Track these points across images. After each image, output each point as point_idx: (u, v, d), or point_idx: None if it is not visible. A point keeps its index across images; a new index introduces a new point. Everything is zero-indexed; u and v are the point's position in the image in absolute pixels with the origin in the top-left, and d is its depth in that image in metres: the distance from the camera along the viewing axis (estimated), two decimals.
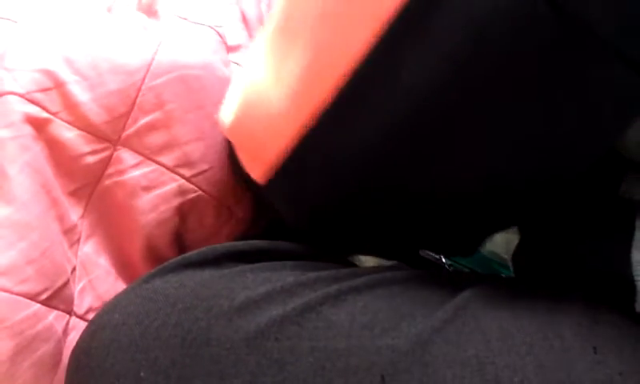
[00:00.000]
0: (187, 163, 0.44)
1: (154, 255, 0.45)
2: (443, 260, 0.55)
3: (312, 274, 0.33)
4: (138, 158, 0.43)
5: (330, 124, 0.32)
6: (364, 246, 0.45)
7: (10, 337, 0.37)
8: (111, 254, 0.44)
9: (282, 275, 0.33)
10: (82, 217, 0.43)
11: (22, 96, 0.40)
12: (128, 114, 0.43)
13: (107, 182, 0.43)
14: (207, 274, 0.33)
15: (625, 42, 0.27)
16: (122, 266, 0.45)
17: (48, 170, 0.41)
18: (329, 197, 0.36)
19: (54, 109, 0.41)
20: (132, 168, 0.43)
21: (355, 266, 0.40)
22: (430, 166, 0.32)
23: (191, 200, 0.45)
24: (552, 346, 0.29)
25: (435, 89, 0.29)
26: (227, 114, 0.39)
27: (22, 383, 0.39)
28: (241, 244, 0.37)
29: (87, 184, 0.43)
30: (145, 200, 0.44)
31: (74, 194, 0.43)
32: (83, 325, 0.42)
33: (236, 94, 0.39)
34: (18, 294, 0.38)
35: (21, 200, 0.39)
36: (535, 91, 0.28)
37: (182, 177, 0.44)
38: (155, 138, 0.43)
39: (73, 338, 0.41)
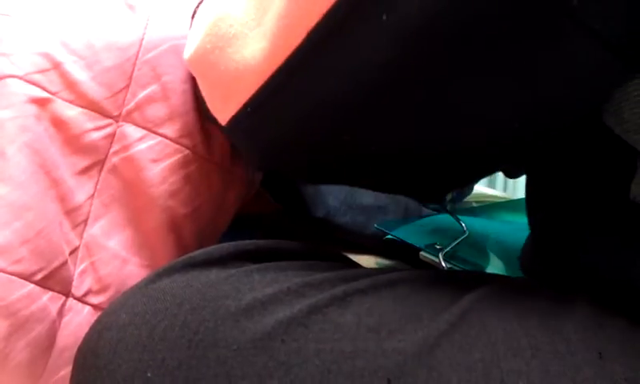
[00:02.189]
0: (189, 133, 0.45)
1: (173, 232, 0.45)
2: (443, 264, 0.55)
3: (318, 275, 0.33)
4: (142, 132, 0.44)
5: (305, 66, 0.32)
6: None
7: (4, 317, 0.38)
8: (127, 234, 0.44)
9: (288, 276, 0.33)
10: (92, 197, 0.43)
11: (21, 78, 0.41)
12: (126, 88, 0.44)
13: (115, 159, 0.44)
14: (214, 274, 0.33)
15: (598, 21, 0.27)
16: (139, 246, 0.45)
17: (52, 150, 0.41)
18: (293, 140, 0.36)
19: (53, 89, 0.42)
20: (137, 142, 0.44)
21: (360, 266, 0.40)
22: (396, 120, 0.33)
23: (197, 168, 0.46)
24: (557, 350, 0.29)
25: (407, 38, 0.29)
26: (191, 43, 0.39)
27: (17, 363, 0.39)
28: (246, 243, 0.37)
29: (96, 162, 0.43)
30: (154, 172, 0.44)
31: (83, 172, 0.43)
32: (81, 307, 0.42)
33: (202, 24, 0.38)
34: (12, 274, 0.38)
35: (17, 180, 0.39)
36: (505, 56, 0.29)
37: (186, 147, 0.45)
38: (156, 111, 0.44)
39: (69, 319, 0.41)
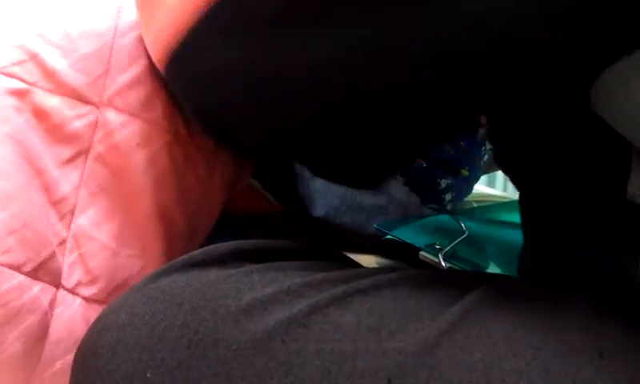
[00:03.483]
0: (170, 116, 0.45)
1: (162, 220, 0.45)
2: (442, 263, 0.55)
3: (318, 275, 0.33)
4: (124, 117, 0.44)
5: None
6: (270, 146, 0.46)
7: None
8: (115, 224, 0.44)
9: (288, 276, 0.33)
10: (79, 187, 0.43)
11: None
12: (106, 73, 0.44)
13: (99, 147, 0.43)
14: (213, 273, 0.33)
15: None
16: (129, 236, 0.44)
17: (35, 141, 0.41)
18: (226, 88, 0.36)
19: (32, 79, 0.42)
20: (120, 127, 0.44)
21: (360, 266, 0.40)
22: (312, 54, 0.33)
23: (181, 151, 0.46)
24: (558, 350, 0.29)
25: None
26: None
27: (10, 355, 0.38)
28: (245, 243, 0.37)
29: (80, 151, 0.43)
30: (139, 158, 0.44)
31: (68, 162, 0.42)
32: (72, 299, 0.42)
33: None
34: (1, 265, 0.38)
35: (1, 170, 0.39)
36: None
37: (168, 130, 0.45)
38: (136, 95, 0.44)
39: (61, 311, 0.41)
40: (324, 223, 0.64)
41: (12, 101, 0.41)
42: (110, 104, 0.44)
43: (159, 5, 0.36)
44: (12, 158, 0.40)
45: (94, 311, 0.42)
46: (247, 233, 0.52)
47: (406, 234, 0.61)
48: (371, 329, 0.30)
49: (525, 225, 0.41)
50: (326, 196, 0.64)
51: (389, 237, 0.62)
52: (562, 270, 0.35)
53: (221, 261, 0.34)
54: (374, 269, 0.37)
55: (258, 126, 0.40)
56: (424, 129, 0.39)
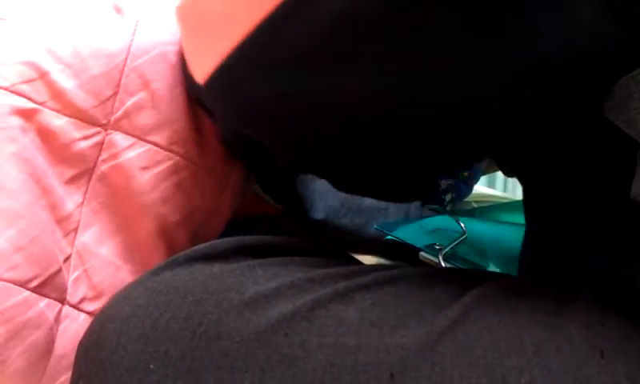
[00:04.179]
0: (179, 140, 0.45)
1: (164, 238, 0.45)
2: (442, 264, 0.56)
3: (320, 271, 0.33)
4: (131, 140, 0.44)
5: (290, 17, 0.31)
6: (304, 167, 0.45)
7: (0, 323, 0.38)
8: (117, 242, 0.44)
9: (290, 271, 0.33)
10: (82, 205, 0.43)
11: (6, 89, 0.41)
12: (114, 96, 0.43)
13: (104, 167, 0.43)
14: (217, 267, 0.33)
15: None
16: (130, 253, 0.44)
17: (40, 160, 0.41)
18: (272, 99, 0.35)
19: (40, 99, 0.41)
20: (126, 150, 0.43)
21: (360, 262, 0.40)
22: (379, 77, 0.32)
23: (189, 175, 0.45)
24: (559, 348, 0.29)
25: None
26: None
27: (14, 370, 0.39)
28: (248, 239, 0.37)
29: (84, 171, 0.43)
30: (144, 180, 0.44)
31: (71, 181, 0.43)
32: (77, 314, 0.42)
33: None
34: (7, 281, 0.38)
35: (8, 188, 0.39)
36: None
37: (177, 154, 0.45)
38: (145, 118, 0.44)
39: (66, 326, 0.41)
40: (324, 225, 0.64)
41: (18, 120, 0.40)
42: (116, 126, 0.43)
43: (211, 14, 0.35)
44: (19, 176, 0.40)
45: None
46: (247, 234, 0.52)
47: (406, 235, 0.62)
48: (373, 324, 0.30)
49: (529, 223, 0.41)
50: (325, 198, 0.64)
51: (389, 237, 0.62)
52: (564, 269, 0.36)
53: (224, 255, 0.35)
54: (375, 265, 0.37)
55: (303, 152, 0.39)
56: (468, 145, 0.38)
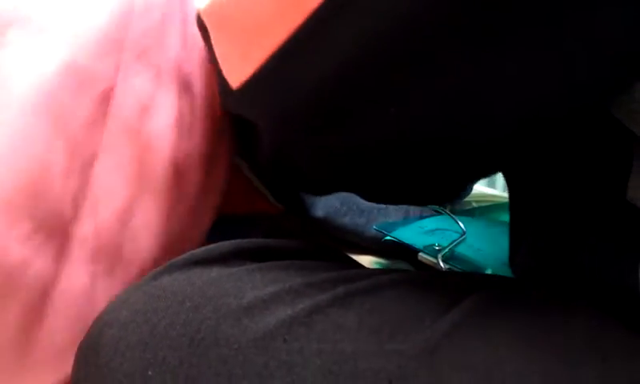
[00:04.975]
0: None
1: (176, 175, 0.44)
2: (441, 265, 0.56)
3: (320, 275, 0.33)
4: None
5: (334, 16, 0.29)
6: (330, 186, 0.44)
7: None
8: (128, 176, 0.43)
9: (289, 275, 0.33)
10: (99, 143, 0.42)
11: None
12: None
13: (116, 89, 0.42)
14: (215, 271, 0.33)
15: None
16: (141, 210, 0.43)
17: (61, 93, 0.39)
18: (309, 108, 0.33)
19: None
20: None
21: (361, 266, 0.40)
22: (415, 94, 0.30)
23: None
24: (560, 353, 0.29)
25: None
26: None
27: (14, 325, 0.38)
28: (247, 242, 0.37)
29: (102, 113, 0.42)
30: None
31: (93, 121, 0.41)
32: (80, 270, 0.41)
33: None
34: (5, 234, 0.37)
35: (13, 128, 0.38)
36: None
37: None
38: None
39: (66, 282, 0.40)
40: (324, 224, 0.64)
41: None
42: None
43: (247, 16, 0.34)
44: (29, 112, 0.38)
45: (102, 283, 0.41)
46: (248, 232, 0.52)
47: (406, 235, 0.61)
48: (372, 329, 0.30)
49: (515, 227, 0.40)
50: (326, 197, 0.64)
51: (388, 238, 0.62)
52: (561, 275, 0.35)
53: (222, 259, 0.35)
54: (375, 269, 0.37)
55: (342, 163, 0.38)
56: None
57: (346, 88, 0.31)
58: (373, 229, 0.64)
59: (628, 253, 0.30)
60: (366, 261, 0.63)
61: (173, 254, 0.39)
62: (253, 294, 0.31)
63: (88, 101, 0.41)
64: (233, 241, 0.36)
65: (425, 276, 0.35)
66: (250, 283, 0.32)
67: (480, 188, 0.88)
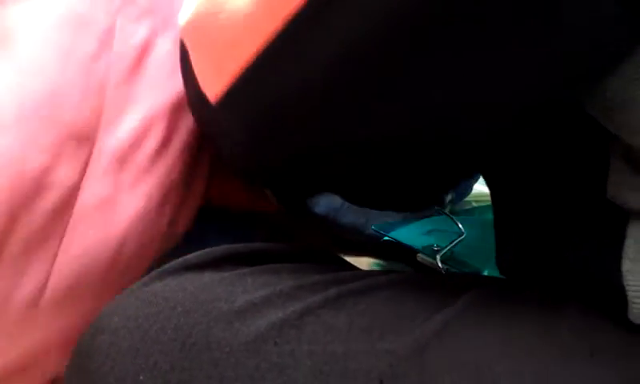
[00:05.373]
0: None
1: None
2: (440, 265, 0.56)
3: (311, 278, 0.33)
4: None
5: (304, 29, 0.29)
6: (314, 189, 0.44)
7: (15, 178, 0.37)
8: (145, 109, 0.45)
9: (281, 278, 0.33)
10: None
11: None
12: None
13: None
14: (207, 276, 0.33)
15: None
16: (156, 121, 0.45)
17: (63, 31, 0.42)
18: (286, 117, 0.34)
19: None
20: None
21: (354, 268, 0.40)
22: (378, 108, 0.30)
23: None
24: (550, 351, 0.29)
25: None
26: (187, 10, 0.37)
27: (39, 227, 0.39)
28: (239, 246, 0.37)
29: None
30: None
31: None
32: (103, 178, 0.42)
33: None
34: (26, 142, 0.38)
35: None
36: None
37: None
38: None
39: (90, 190, 0.41)
40: (324, 222, 0.64)
41: None
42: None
43: (220, 32, 0.34)
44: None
45: (122, 193, 0.43)
46: (248, 231, 0.52)
47: (404, 236, 0.61)
48: (363, 330, 0.30)
49: (499, 228, 0.40)
50: (327, 195, 0.64)
51: (387, 238, 0.62)
52: (546, 274, 0.35)
53: (215, 264, 0.35)
54: (367, 271, 0.37)
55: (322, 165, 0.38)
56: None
57: (327, 95, 0.31)
58: (372, 229, 0.64)
59: (611, 249, 0.30)
60: (365, 262, 0.63)
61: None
62: (244, 297, 0.31)
63: (92, 37, 0.43)
64: (225, 245, 0.36)
65: (418, 277, 0.35)
66: (242, 287, 0.32)
67: (480, 187, 0.87)
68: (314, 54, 0.30)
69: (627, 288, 0.29)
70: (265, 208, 0.65)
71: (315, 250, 0.39)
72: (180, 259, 0.35)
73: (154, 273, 0.34)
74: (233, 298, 0.31)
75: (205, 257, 0.35)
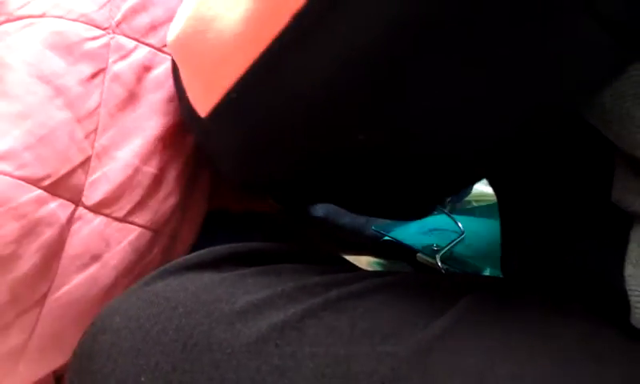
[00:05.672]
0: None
1: (176, 137, 0.46)
2: (440, 265, 0.55)
3: (312, 279, 0.33)
4: (133, 43, 0.46)
5: (290, 50, 0.30)
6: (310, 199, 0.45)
7: (14, 218, 0.38)
8: (135, 143, 0.45)
9: (282, 280, 0.33)
10: (99, 106, 0.44)
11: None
12: (109, 1, 0.45)
13: (115, 67, 0.45)
14: (207, 277, 0.33)
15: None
16: (148, 154, 0.45)
17: (54, 60, 0.42)
18: (277, 131, 0.34)
19: (38, 12, 0.43)
20: (132, 52, 0.45)
21: (355, 268, 0.40)
22: (377, 119, 0.31)
23: None
24: (553, 355, 0.29)
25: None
26: (174, 27, 0.38)
27: (30, 267, 0.39)
28: (240, 246, 0.37)
29: (99, 70, 0.44)
30: (150, 79, 0.46)
31: (90, 80, 0.44)
32: (92, 216, 0.42)
33: (186, 8, 0.37)
34: (18, 178, 0.39)
35: (11, 93, 0.40)
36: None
37: (170, 55, 0.46)
38: (140, 21, 0.46)
39: (78, 227, 0.42)
40: (324, 223, 0.64)
41: (26, 30, 0.42)
42: (118, 30, 0.45)
43: (208, 51, 0.34)
44: (24, 79, 0.41)
45: (114, 229, 0.43)
46: (247, 233, 0.52)
47: (404, 236, 0.61)
48: (365, 332, 0.30)
49: (505, 231, 0.40)
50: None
51: (387, 238, 0.62)
52: (551, 277, 0.35)
53: (215, 264, 0.35)
54: (368, 272, 0.37)
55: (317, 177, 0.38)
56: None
57: (317, 110, 0.32)
58: (372, 229, 0.64)
59: (614, 254, 0.30)
60: (365, 261, 0.63)
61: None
62: (245, 298, 0.31)
63: (81, 67, 0.44)
64: (226, 245, 0.36)
65: (418, 278, 0.35)
66: (243, 288, 0.32)
67: (480, 187, 0.87)
68: (312, 67, 0.30)
69: (630, 293, 0.29)
70: (265, 208, 0.65)
71: (315, 249, 0.39)
72: (181, 259, 0.35)
73: (155, 272, 0.34)
74: (234, 298, 0.31)
75: (206, 256, 0.35)
